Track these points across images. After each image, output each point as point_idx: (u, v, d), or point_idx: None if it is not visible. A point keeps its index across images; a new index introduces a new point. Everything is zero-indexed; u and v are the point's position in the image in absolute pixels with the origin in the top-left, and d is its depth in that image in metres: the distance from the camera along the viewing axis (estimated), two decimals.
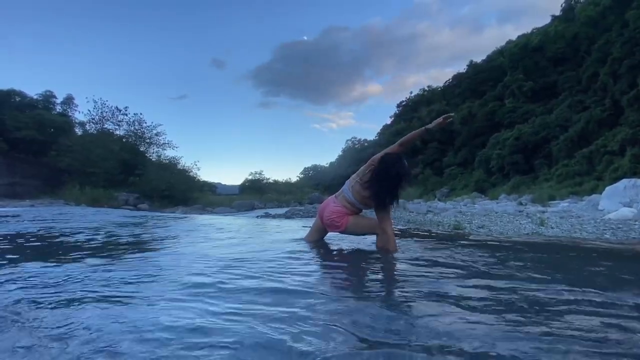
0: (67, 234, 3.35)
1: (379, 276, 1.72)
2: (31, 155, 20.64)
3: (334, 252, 2.28)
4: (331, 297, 1.32)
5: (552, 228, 4.56)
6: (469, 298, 1.27)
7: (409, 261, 1.89)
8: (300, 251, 2.19)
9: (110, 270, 1.73)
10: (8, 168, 18.33)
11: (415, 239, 3.01)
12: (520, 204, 11.79)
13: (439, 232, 3.79)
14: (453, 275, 1.57)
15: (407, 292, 1.37)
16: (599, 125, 19.12)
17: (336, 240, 2.57)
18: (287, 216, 9.47)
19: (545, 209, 8.82)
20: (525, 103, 26.47)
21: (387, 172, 2.05)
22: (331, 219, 2.24)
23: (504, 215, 6.91)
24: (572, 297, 1.26)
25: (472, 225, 5.38)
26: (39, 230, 3.61)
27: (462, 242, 2.69)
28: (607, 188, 8.35)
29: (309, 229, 2.62)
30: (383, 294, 1.42)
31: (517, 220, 5.76)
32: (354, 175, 2.25)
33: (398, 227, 5.15)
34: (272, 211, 12.94)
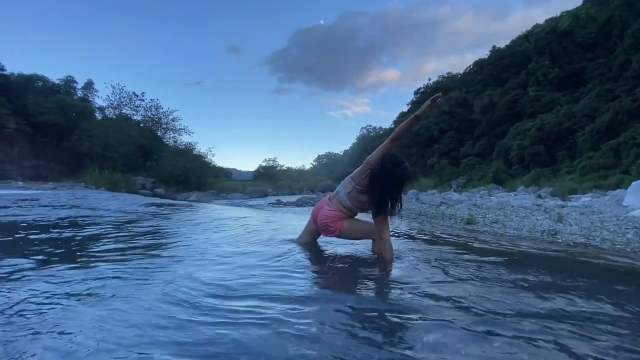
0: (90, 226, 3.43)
1: (371, 290, 1.63)
2: (54, 140, 21.38)
3: (326, 259, 2.16)
4: (314, 314, 1.28)
5: (570, 225, 4.36)
6: (462, 321, 1.20)
7: (406, 274, 1.81)
8: (290, 257, 2.08)
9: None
10: (33, 152, 19.10)
11: (417, 243, 2.93)
12: (539, 197, 11.38)
13: (444, 235, 3.68)
14: (447, 295, 1.50)
15: (398, 311, 1.31)
16: (628, 116, 18.07)
17: (330, 245, 2.49)
18: (298, 204, 9.50)
19: (565, 203, 8.47)
20: (550, 91, 25.25)
21: (388, 175, 1.92)
22: (325, 223, 2.13)
23: (520, 209, 6.67)
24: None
25: (486, 219, 5.21)
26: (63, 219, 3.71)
27: (467, 252, 2.56)
28: (634, 183, 7.91)
29: (302, 229, 2.52)
30: (371, 312, 1.37)
31: (533, 215, 5.55)
32: (348, 179, 2.13)
33: (404, 224, 5.08)
34: (284, 199, 13.02)
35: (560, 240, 3.45)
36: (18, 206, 4.96)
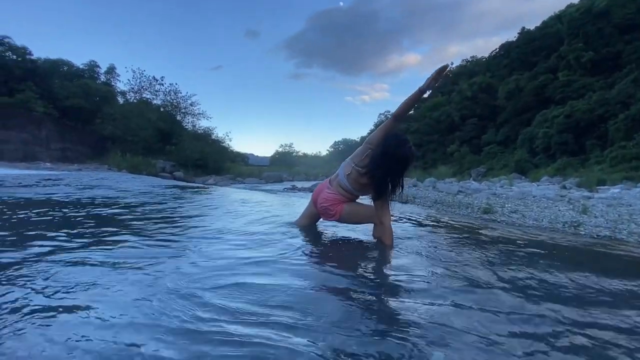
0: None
1: (367, 275, 1.57)
2: (80, 123, 22.13)
3: (324, 243, 2.10)
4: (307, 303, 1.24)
5: (595, 217, 4.13)
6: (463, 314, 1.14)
7: (404, 259, 1.75)
8: (287, 240, 2.02)
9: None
10: (59, 135, 19.85)
11: (421, 229, 2.84)
12: (564, 187, 10.89)
13: (452, 222, 3.56)
14: (444, 282, 1.43)
15: (392, 296, 1.26)
16: None
17: (329, 227, 2.44)
18: (312, 190, 9.49)
19: (591, 194, 8.06)
20: (582, 76, 23.75)
21: (389, 157, 1.80)
22: (324, 206, 2.06)
23: (542, 199, 6.40)
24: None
25: (505, 209, 5.03)
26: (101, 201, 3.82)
27: (474, 239, 2.46)
28: None
29: (301, 212, 2.46)
30: (365, 296, 1.32)
31: (555, 206, 5.31)
32: (348, 160, 2.02)
33: (416, 210, 4.97)
34: (299, 184, 13.06)
35: (582, 232, 3.27)
36: (42, 185, 5.17)
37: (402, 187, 1.91)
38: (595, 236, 3.10)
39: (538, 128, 22.87)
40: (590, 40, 24.25)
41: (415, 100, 1.85)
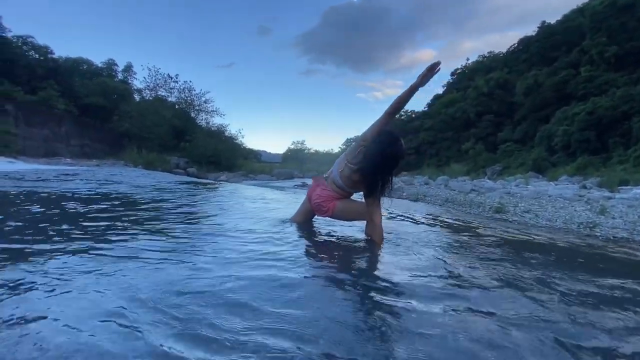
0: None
1: (352, 272, 1.54)
2: (98, 121, 22.74)
3: (315, 239, 2.08)
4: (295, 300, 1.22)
5: (613, 218, 3.96)
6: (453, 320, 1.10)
7: (392, 257, 1.72)
8: (279, 235, 2.01)
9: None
10: (79, 131, 20.45)
11: (417, 227, 2.78)
12: (584, 187, 10.50)
13: (450, 220, 3.48)
14: (427, 281, 1.40)
15: (380, 292, 1.23)
16: None
17: (324, 224, 2.41)
18: None
19: (612, 194, 7.74)
20: (606, 71, 22.80)
21: (381, 154, 1.79)
22: (318, 203, 2.06)
23: (558, 199, 6.19)
24: None
25: (517, 209, 4.89)
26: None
27: (469, 237, 2.39)
28: None
29: (297, 208, 2.46)
30: (350, 292, 1.29)
31: (572, 206, 5.12)
32: (342, 157, 2.03)
33: (422, 209, 4.89)
34: (309, 181, 13.07)
35: (598, 234, 3.14)
36: (59, 180, 5.33)
37: (392, 185, 1.89)
38: (612, 238, 2.97)
39: (557, 125, 22.12)
40: (614, 34, 23.24)
41: (408, 97, 1.85)
